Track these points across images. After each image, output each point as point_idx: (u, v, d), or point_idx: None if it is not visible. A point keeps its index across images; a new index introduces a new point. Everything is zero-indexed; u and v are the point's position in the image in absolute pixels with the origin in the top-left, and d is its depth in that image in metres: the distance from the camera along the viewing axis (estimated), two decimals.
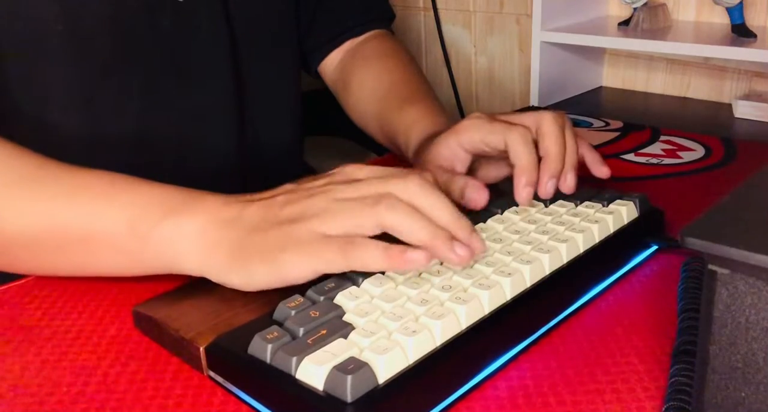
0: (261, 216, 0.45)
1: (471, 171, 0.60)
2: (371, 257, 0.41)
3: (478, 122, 0.57)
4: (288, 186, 0.47)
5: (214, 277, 0.45)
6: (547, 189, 0.54)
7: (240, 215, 0.45)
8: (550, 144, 0.54)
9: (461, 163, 0.59)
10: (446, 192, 0.56)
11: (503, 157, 0.58)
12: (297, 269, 0.42)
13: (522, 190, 0.53)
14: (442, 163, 0.59)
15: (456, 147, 0.58)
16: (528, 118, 0.56)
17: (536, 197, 0.55)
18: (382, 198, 0.43)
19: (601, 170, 0.59)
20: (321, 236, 0.42)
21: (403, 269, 0.42)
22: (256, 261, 0.43)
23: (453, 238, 0.42)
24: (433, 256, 0.42)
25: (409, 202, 0.43)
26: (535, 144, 0.55)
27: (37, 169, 0.51)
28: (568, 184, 0.54)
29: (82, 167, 0.51)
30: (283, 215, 0.44)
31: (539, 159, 0.54)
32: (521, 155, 0.53)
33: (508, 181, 0.61)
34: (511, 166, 0.59)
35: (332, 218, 0.43)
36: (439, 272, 0.44)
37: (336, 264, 0.42)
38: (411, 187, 0.43)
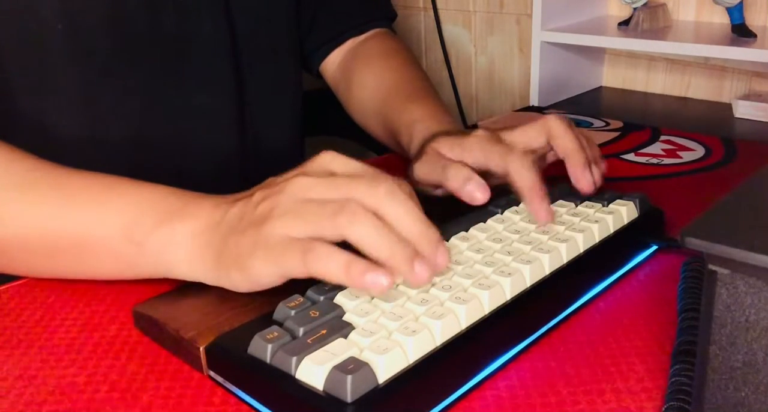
0: (239, 217, 0.44)
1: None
2: (331, 269, 0.39)
3: (483, 144, 0.56)
4: (268, 180, 0.46)
5: (207, 281, 0.45)
6: (587, 180, 0.53)
7: (223, 218, 0.45)
8: (568, 141, 0.54)
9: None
10: (442, 178, 0.56)
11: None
12: (264, 274, 0.42)
13: (539, 208, 0.50)
14: (444, 153, 0.58)
15: (459, 158, 0.58)
16: (533, 128, 0.56)
17: None
18: (345, 206, 0.40)
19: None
20: (286, 240, 0.41)
21: (360, 289, 0.39)
22: (232, 268, 0.43)
23: (415, 254, 0.40)
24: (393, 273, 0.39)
25: (375, 210, 0.41)
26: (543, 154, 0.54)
27: (32, 173, 0.51)
28: (596, 178, 0.54)
29: (78, 170, 0.51)
30: (256, 214, 0.43)
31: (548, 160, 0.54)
32: (523, 177, 0.51)
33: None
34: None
35: (295, 221, 0.41)
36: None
37: (297, 270, 0.40)
38: (378, 194, 0.41)
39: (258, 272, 0.42)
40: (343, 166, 0.44)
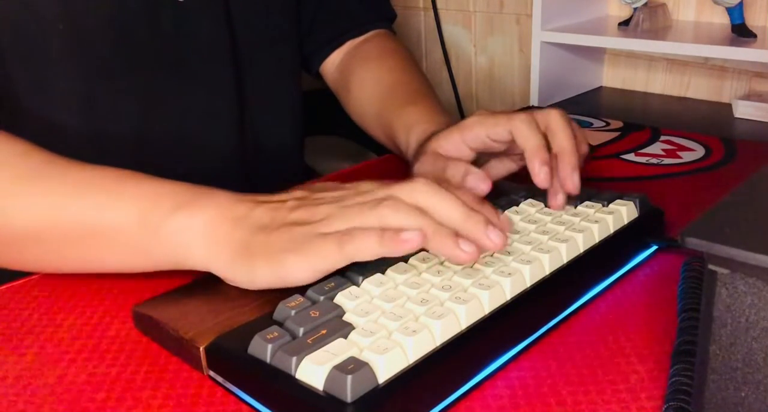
0: (269, 217, 0.45)
1: (474, 163, 0.60)
2: (366, 244, 0.41)
3: (481, 118, 0.57)
4: (298, 193, 0.48)
5: (219, 272, 0.45)
6: (574, 182, 0.53)
7: (249, 214, 0.45)
8: (563, 138, 0.54)
9: (464, 159, 0.59)
10: (441, 179, 0.56)
11: (507, 154, 0.58)
12: (297, 269, 0.42)
13: (539, 171, 0.52)
14: (441, 153, 0.59)
15: (460, 143, 0.58)
16: (534, 116, 0.56)
17: (538, 198, 0.55)
18: (386, 198, 0.43)
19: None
20: (325, 235, 0.42)
21: (399, 251, 0.40)
22: (259, 260, 0.43)
23: (459, 235, 0.41)
24: (439, 254, 0.42)
25: (415, 204, 0.42)
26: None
27: (46, 165, 0.51)
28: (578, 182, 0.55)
29: (90, 164, 0.51)
30: (290, 218, 0.44)
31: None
32: (529, 138, 0.53)
33: (508, 181, 0.61)
34: (516, 161, 0.59)
35: (335, 221, 0.43)
36: (439, 272, 0.44)
37: (333, 259, 0.42)
38: (417, 188, 0.43)
39: (290, 266, 0.42)
40: (374, 186, 0.46)
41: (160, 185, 0.49)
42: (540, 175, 0.52)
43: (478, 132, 0.57)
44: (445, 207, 0.42)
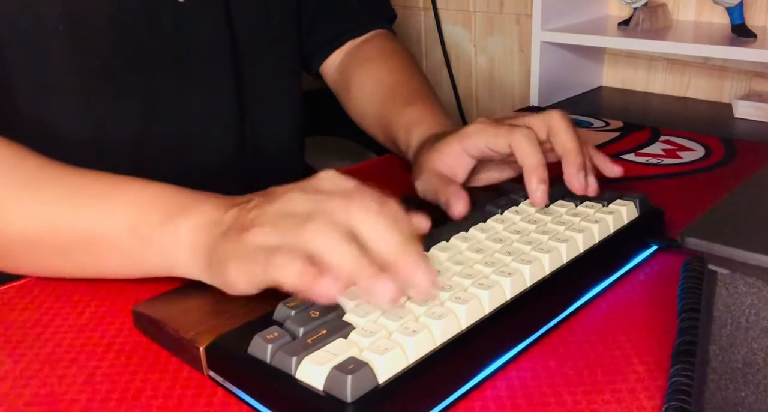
0: (232, 221, 0.44)
1: (474, 173, 0.60)
2: (287, 275, 0.38)
3: (482, 127, 0.57)
4: (269, 189, 0.46)
5: (204, 280, 0.46)
6: (580, 182, 0.53)
7: (221, 220, 0.45)
8: (567, 139, 0.54)
9: (464, 168, 0.59)
10: (436, 198, 0.56)
11: (506, 161, 0.58)
12: (238, 281, 0.42)
13: (536, 190, 0.52)
14: (442, 169, 0.59)
15: (461, 152, 0.58)
16: (535, 119, 0.56)
17: None
18: (313, 218, 0.39)
19: (612, 169, 0.58)
20: (259, 247, 0.40)
21: (312, 295, 0.37)
22: (216, 268, 0.43)
23: (382, 272, 0.38)
24: (358, 290, 0.39)
25: (346, 224, 0.39)
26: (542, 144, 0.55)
27: (39, 171, 0.51)
28: (611, 172, 0.55)
29: (84, 169, 0.51)
30: (246, 222, 0.43)
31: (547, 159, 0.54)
32: (528, 155, 0.53)
33: (508, 181, 0.61)
34: (515, 169, 0.59)
35: (269, 232, 0.41)
36: (439, 272, 0.44)
37: (259, 277, 0.40)
38: (351, 208, 0.40)
39: (233, 278, 0.42)
40: (335, 186, 0.43)
41: (153, 191, 0.49)
42: (537, 194, 0.52)
43: (478, 141, 0.57)
44: (379, 236, 0.39)
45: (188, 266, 0.46)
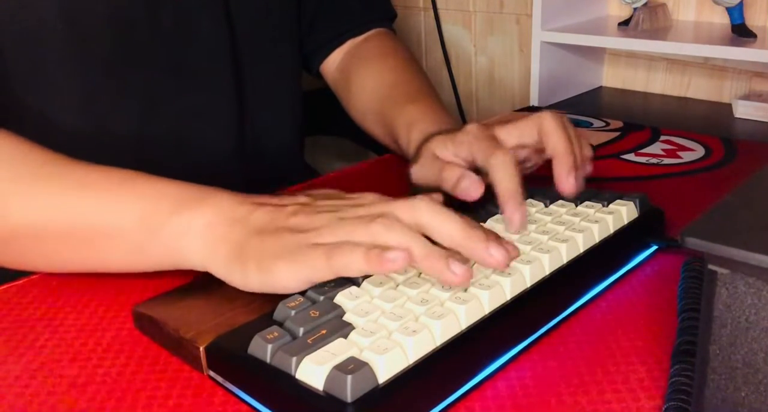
0: (267, 221, 0.45)
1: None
2: (352, 259, 0.40)
3: (469, 138, 0.56)
4: (301, 198, 0.47)
5: (216, 273, 0.45)
6: (570, 184, 0.53)
7: (248, 217, 0.45)
8: (557, 141, 0.54)
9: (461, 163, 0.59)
10: (438, 181, 0.56)
11: None
12: (286, 278, 0.42)
13: (512, 216, 0.50)
14: (441, 156, 0.58)
15: (453, 155, 0.58)
16: (527, 121, 0.56)
17: (538, 197, 0.55)
18: (379, 216, 0.42)
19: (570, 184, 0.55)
20: (317, 246, 0.42)
21: (384, 270, 0.39)
22: (251, 265, 0.43)
23: (453, 256, 0.40)
24: (431, 275, 0.41)
25: (413, 223, 0.42)
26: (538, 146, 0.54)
27: (47, 164, 0.51)
28: (583, 171, 0.55)
29: (91, 163, 0.51)
30: (287, 224, 0.44)
31: (539, 160, 0.54)
32: (502, 180, 0.51)
33: None
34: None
35: (328, 232, 0.42)
36: None
37: (320, 270, 0.41)
38: (416, 206, 0.42)
39: (280, 274, 0.42)
40: (384, 201, 0.45)
41: (161, 186, 0.49)
42: (514, 220, 0.50)
43: (465, 152, 0.56)
44: (445, 226, 0.41)
45: (199, 257, 0.46)
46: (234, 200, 0.47)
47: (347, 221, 0.43)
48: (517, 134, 0.56)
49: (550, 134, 0.54)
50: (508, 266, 0.42)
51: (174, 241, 0.46)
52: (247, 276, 0.43)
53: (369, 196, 0.46)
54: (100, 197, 0.49)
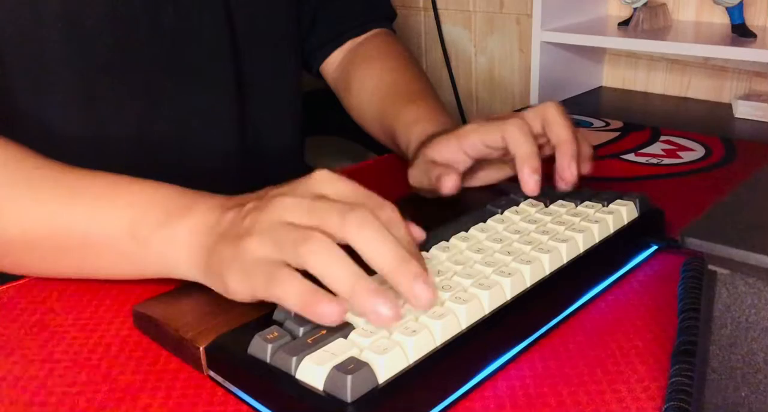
0: (229, 224, 0.44)
1: (472, 172, 0.60)
2: (288, 297, 0.38)
3: (476, 125, 0.57)
4: (264, 190, 0.45)
5: (202, 282, 0.45)
6: (572, 172, 0.53)
7: (219, 222, 0.44)
8: (561, 129, 0.54)
9: (461, 165, 0.59)
10: (428, 181, 0.56)
11: (504, 160, 0.58)
12: (237, 291, 0.42)
13: (528, 179, 0.51)
14: (438, 160, 0.59)
15: (457, 150, 0.58)
16: (530, 111, 0.56)
17: (537, 198, 0.55)
18: (310, 235, 0.38)
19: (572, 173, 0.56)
20: (258, 261, 0.40)
21: (316, 321, 0.38)
22: (218, 276, 0.43)
23: (381, 289, 0.37)
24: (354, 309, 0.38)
25: (344, 240, 0.39)
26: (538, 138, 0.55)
27: (37, 170, 0.51)
28: (583, 170, 0.55)
29: (82, 168, 0.51)
30: (242, 227, 0.42)
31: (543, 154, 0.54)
32: (520, 145, 0.53)
33: (508, 181, 0.61)
34: (513, 167, 0.59)
35: (267, 244, 0.40)
36: (439, 273, 0.44)
37: (258, 292, 0.40)
38: (349, 223, 0.39)
39: (233, 287, 0.42)
40: (333, 189, 0.42)
41: (150, 192, 0.48)
42: (530, 184, 0.52)
43: (474, 140, 0.57)
44: (377, 250, 0.38)
45: (185, 268, 0.46)
46: (214, 206, 0.46)
47: (284, 231, 0.40)
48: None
49: (554, 124, 0.55)
50: (429, 307, 0.39)
51: (162, 252, 0.46)
52: (216, 285, 0.43)
53: (322, 183, 0.43)
54: (90, 206, 0.49)
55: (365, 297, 0.37)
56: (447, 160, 0.58)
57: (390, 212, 0.41)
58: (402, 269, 0.38)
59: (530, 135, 0.54)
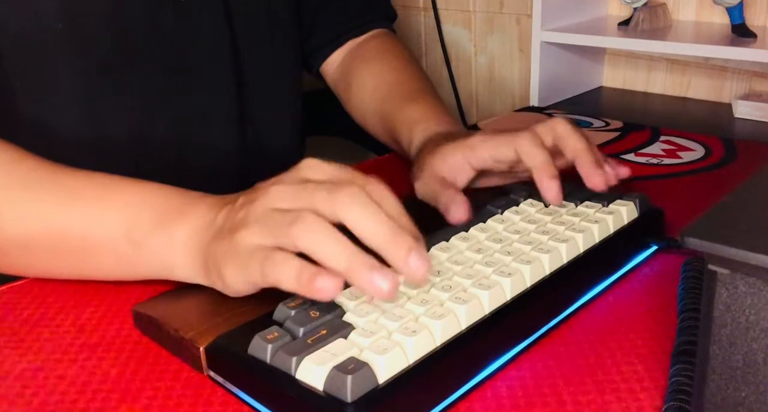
0: (223, 221, 0.44)
1: (474, 178, 0.60)
2: (284, 276, 0.38)
3: (485, 138, 0.57)
4: (256, 185, 0.46)
5: (201, 282, 0.46)
6: (600, 177, 0.52)
7: (213, 220, 0.45)
8: (575, 141, 0.54)
9: (465, 177, 0.58)
10: (435, 202, 0.56)
11: (510, 171, 0.58)
12: (235, 282, 0.42)
13: (549, 187, 0.51)
14: (443, 174, 0.58)
15: (463, 162, 0.58)
16: (540, 126, 0.56)
17: (537, 197, 0.55)
18: (300, 215, 0.39)
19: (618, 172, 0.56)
20: (252, 248, 0.40)
21: (317, 298, 0.38)
22: (216, 272, 0.43)
23: (378, 263, 0.37)
24: (352, 284, 0.38)
25: (334, 217, 0.39)
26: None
27: (34, 172, 0.51)
28: (621, 172, 0.55)
29: (79, 169, 0.51)
30: (235, 221, 0.43)
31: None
32: (534, 155, 0.52)
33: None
34: (517, 176, 0.59)
35: (260, 231, 0.40)
36: (439, 273, 0.44)
37: (257, 278, 0.40)
38: (337, 199, 0.39)
39: (230, 280, 0.42)
40: (320, 173, 0.43)
41: (146, 193, 0.49)
42: (552, 190, 0.51)
43: (482, 154, 0.56)
44: (369, 225, 0.38)
45: (183, 270, 0.46)
46: (210, 206, 0.46)
47: (275, 216, 0.40)
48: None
49: (567, 137, 0.54)
50: (423, 278, 0.38)
51: (158, 255, 0.46)
52: (215, 283, 0.44)
53: (310, 168, 0.43)
54: (87, 208, 0.49)
55: (362, 271, 0.37)
56: (452, 172, 0.58)
57: (378, 187, 0.41)
58: (395, 242, 0.38)
59: (543, 146, 0.53)
